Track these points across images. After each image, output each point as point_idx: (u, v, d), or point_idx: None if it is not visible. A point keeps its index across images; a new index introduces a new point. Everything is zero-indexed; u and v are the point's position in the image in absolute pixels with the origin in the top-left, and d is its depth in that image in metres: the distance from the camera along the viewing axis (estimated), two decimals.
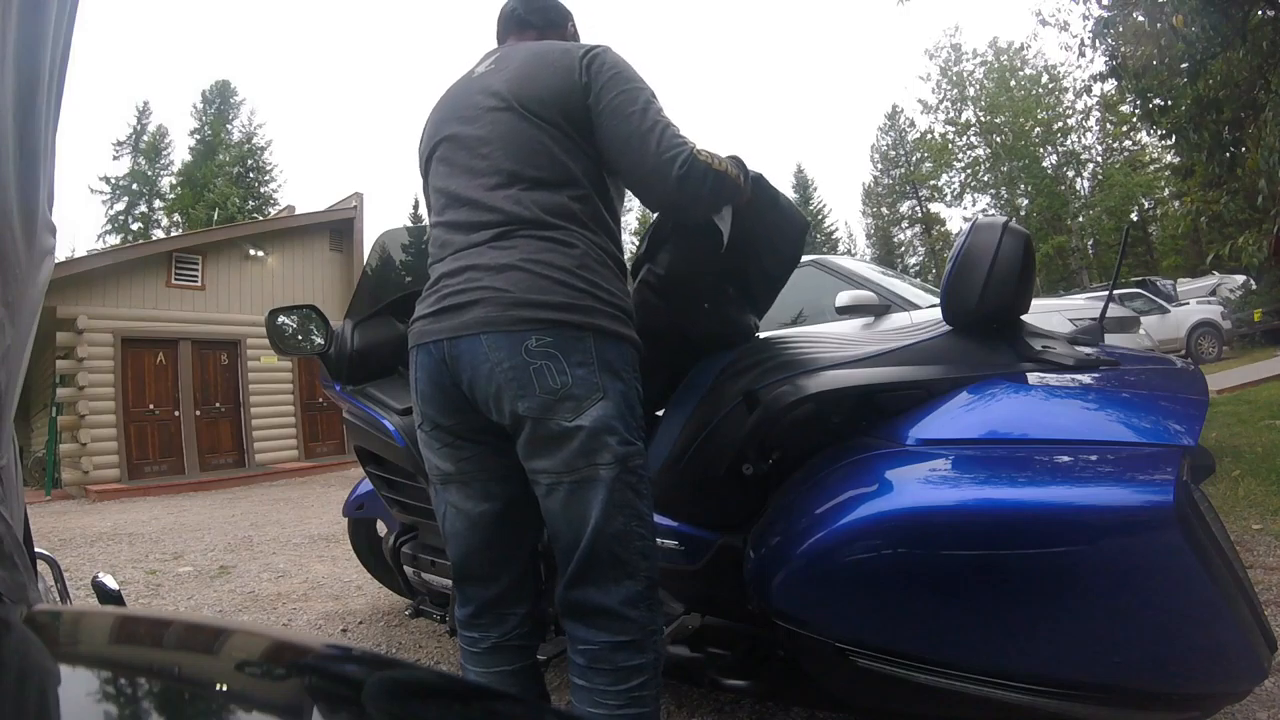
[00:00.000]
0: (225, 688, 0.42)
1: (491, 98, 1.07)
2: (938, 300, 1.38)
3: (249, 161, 28.16)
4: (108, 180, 27.61)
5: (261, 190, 28.12)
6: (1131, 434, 0.88)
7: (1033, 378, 1.04)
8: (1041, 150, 23.23)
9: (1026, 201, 23.09)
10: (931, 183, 28.43)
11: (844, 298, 3.10)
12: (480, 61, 1.17)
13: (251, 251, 10.11)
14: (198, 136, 28.31)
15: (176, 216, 26.89)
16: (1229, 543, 0.84)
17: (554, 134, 1.03)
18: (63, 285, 8.11)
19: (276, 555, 3.83)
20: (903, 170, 32.06)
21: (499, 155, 1.03)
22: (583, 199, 1.03)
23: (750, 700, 1.48)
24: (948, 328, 1.19)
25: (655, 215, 1.28)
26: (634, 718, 0.93)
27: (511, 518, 1.04)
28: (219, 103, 28.85)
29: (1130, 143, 22.62)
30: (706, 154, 1.03)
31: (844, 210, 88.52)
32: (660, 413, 1.63)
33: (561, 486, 0.95)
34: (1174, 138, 5.60)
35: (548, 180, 1.02)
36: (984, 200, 25.12)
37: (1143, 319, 4.63)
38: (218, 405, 9.65)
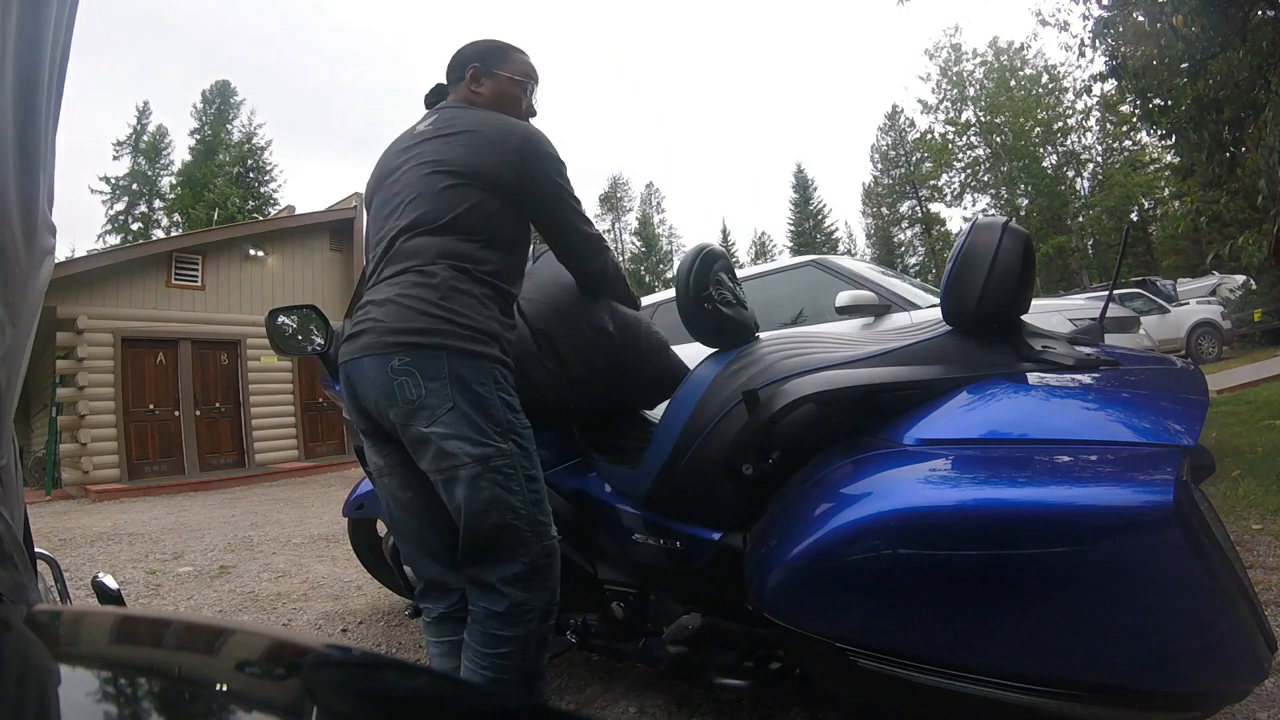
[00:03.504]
0: (225, 688, 0.42)
1: (423, 159, 1.22)
2: (938, 300, 1.38)
3: (249, 161, 28.17)
4: (108, 180, 27.64)
5: (261, 190, 28.14)
6: (1131, 434, 0.88)
7: (1033, 378, 1.04)
8: (1041, 150, 23.21)
9: (1026, 201, 23.07)
10: (931, 183, 28.43)
11: (844, 298, 3.09)
12: (422, 120, 1.32)
13: (251, 251, 10.10)
14: (198, 136, 28.32)
15: (176, 216, 26.90)
16: (1229, 543, 0.84)
17: (467, 191, 1.18)
18: (63, 285, 8.11)
19: (276, 555, 3.83)
20: (903, 170, 32.08)
21: (414, 207, 1.18)
22: (470, 240, 1.17)
23: (750, 700, 1.48)
24: (948, 328, 1.19)
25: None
26: (491, 681, 1.08)
27: (433, 504, 1.17)
28: (219, 103, 28.86)
29: (1130, 143, 22.62)
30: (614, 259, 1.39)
31: (844, 210, 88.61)
32: (648, 412, 1.64)
33: (439, 482, 1.12)
34: (1174, 138, 5.60)
35: (455, 227, 1.16)
36: (984, 200, 25.12)
37: (1143, 319, 4.62)
38: (218, 405, 9.65)
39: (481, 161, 1.19)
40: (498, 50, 1.37)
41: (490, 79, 1.35)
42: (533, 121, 1.39)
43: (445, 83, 1.39)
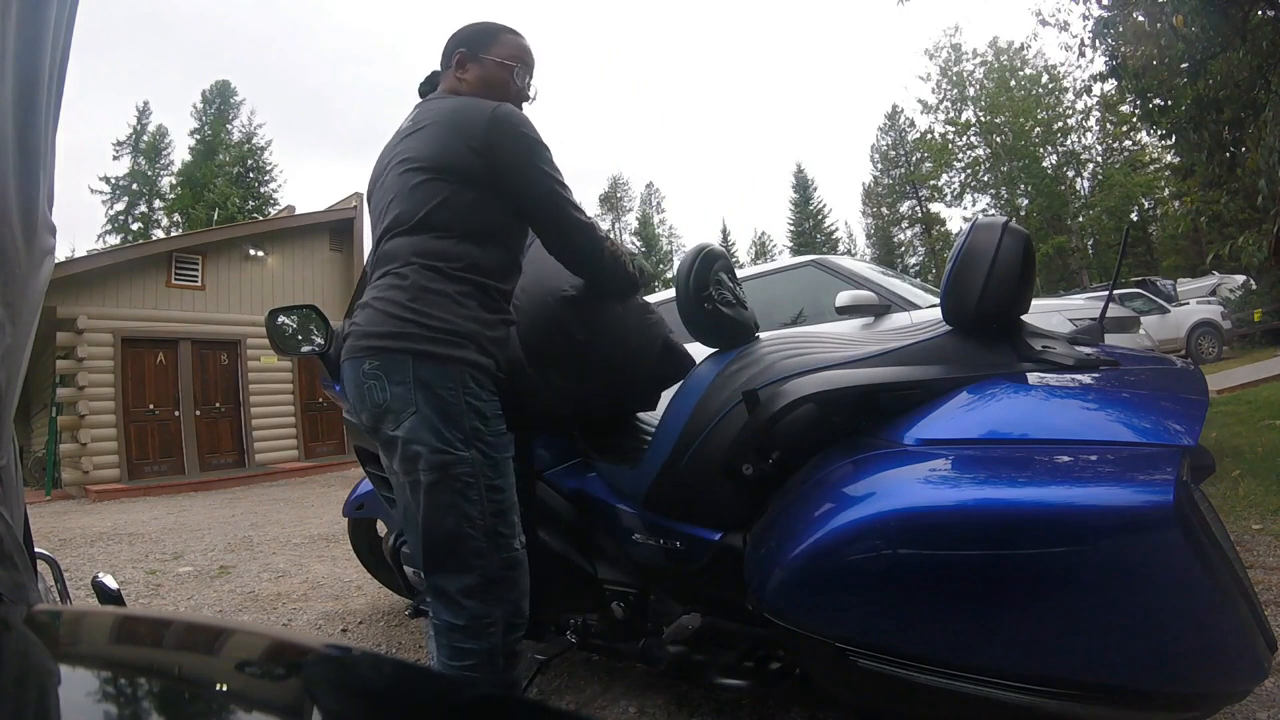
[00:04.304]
0: (225, 688, 0.42)
1: (399, 158, 1.20)
2: (938, 300, 1.37)
3: (249, 161, 28.17)
4: (108, 180, 27.64)
5: (261, 190, 28.14)
6: (1131, 434, 0.88)
7: (1033, 378, 1.04)
8: (1041, 150, 23.20)
9: (1026, 201, 23.07)
10: (931, 183, 28.43)
11: (844, 298, 3.09)
12: (408, 115, 1.30)
13: (251, 251, 10.10)
14: (198, 136, 28.32)
15: (176, 216, 26.91)
16: (1229, 543, 0.84)
17: (436, 185, 1.15)
18: (63, 285, 8.11)
19: (276, 555, 3.83)
20: (903, 170, 32.07)
21: (392, 209, 1.18)
22: (444, 236, 1.15)
23: (750, 700, 1.48)
24: (948, 328, 1.18)
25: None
26: None
27: None
28: (219, 103, 28.87)
29: (1130, 143, 22.61)
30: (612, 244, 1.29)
31: (844, 210, 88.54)
32: (641, 414, 1.63)
33: (405, 486, 1.11)
34: (1174, 138, 5.60)
35: (427, 225, 1.15)
36: (984, 200, 25.12)
37: (1143, 319, 4.62)
38: (218, 405, 9.65)
39: (448, 152, 1.15)
40: (486, 33, 1.31)
41: (476, 64, 1.29)
42: (526, 107, 1.33)
43: (440, 69, 1.35)
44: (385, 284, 1.14)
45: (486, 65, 1.29)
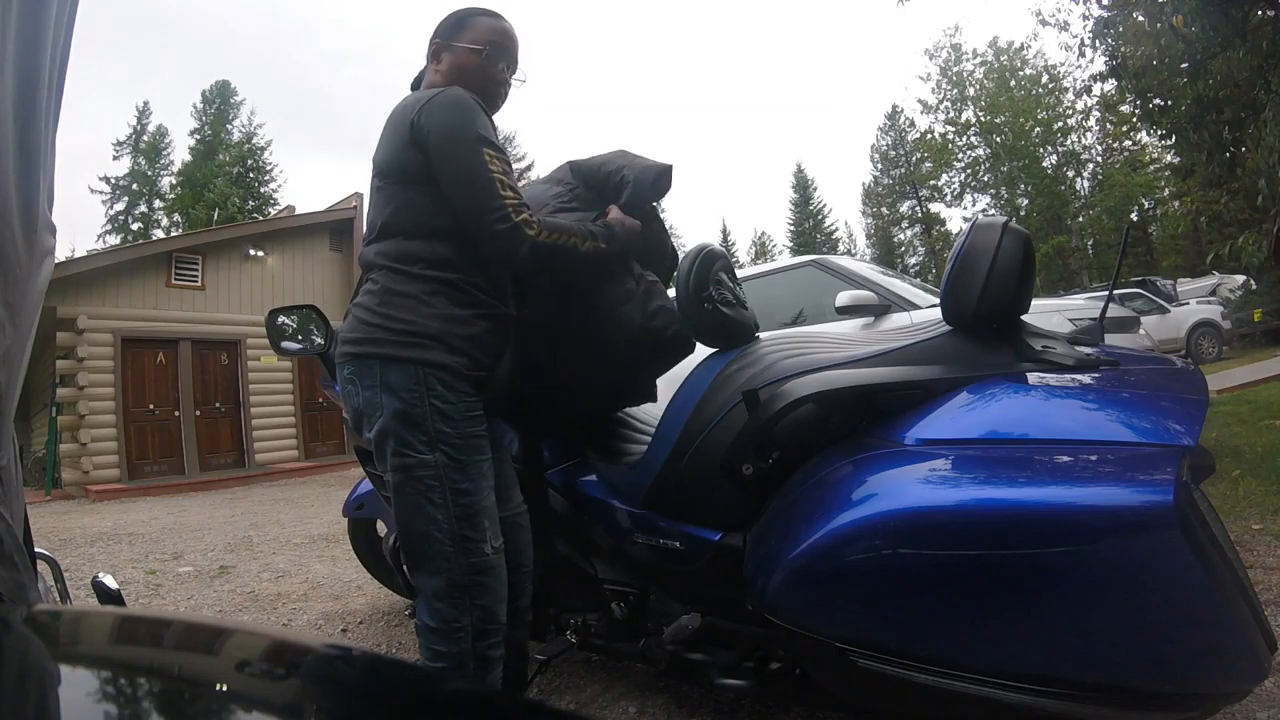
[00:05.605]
0: (225, 688, 0.42)
1: (372, 164, 1.23)
2: (938, 300, 1.37)
3: (249, 161, 28.16)
4: (108, 180, 27.64)
5: (261, 190, 28.13)
6: (1131, 434, 0.88)
7: (1033, 378, 1.04)
8: (1041, 150, 23.20)
9: (1026, 201, 23.06)
10: (931, 183, 28.39)
11: (844, 298, 3.09)
12: None
13: (251, 251, 10.10)
14: (198, 136, 28.31)
15: (176, 216, 26.90)
16: (1229, 543, 0.84)
17: (390, 190, 1.16)
18: (63, 285, 8.11)
19: (276, 555, 3.83)
20: (903, 170, 32.05)
21: (367, 217, 1.22)
22: (409, 239, 1.15)
23: (750, 700, 1.48)
24: (948, 328, 1.18)
25: None
26: None
27: None
28: (219, 103, 28.86)
29: (1130, 143, 22.62)
30: (535, 223, 1.11)
31: (844, 210, 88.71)
32: (641, 414, 1.63)
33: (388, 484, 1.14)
34: (1174, 138, 5.59)
35: (389, 230, 1.16)
36: (984, 200, 25.11)
37: (1143, 319, 4.62)
38: (218, 405, 9.65)
39: (393, 154, 1.14)
40: (457, 20, 1.25)
41: (449, 53, 1.24)
42: (514, 92, 1.29)
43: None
44: (363, 290, 1.18)
45: (458, 53, 1.24)
